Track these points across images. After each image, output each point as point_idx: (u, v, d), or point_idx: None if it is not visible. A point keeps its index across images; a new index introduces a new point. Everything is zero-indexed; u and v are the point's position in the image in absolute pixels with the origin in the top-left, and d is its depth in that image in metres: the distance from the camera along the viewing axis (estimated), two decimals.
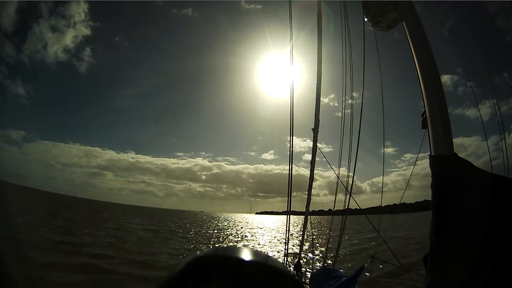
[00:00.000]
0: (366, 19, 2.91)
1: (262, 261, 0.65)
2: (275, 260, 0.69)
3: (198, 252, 0.66)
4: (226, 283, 0.58)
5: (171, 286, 0.60)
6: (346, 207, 3.33)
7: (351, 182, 3.41)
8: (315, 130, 3.81)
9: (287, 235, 3.86)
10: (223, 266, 0.62)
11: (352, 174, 3.50)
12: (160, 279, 0.63)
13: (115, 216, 48.08)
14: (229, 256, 0.65)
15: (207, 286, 0.58)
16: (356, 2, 3.06)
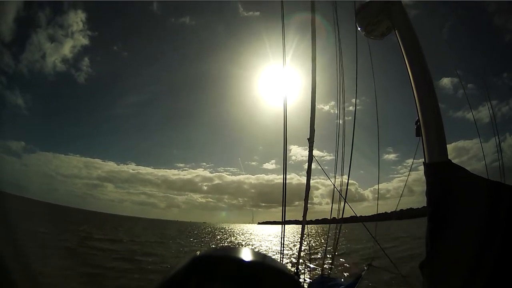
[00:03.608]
0: (359, 29, 2.93)
1: (261, 261, 0.64)
2: (274, 260, 0.69)
3: (197, 252, 0.66)
4: (226, 283, 0.58)
5: (170, 286, 0.60)
6: (341, 215, 3.31)
7: (348, 191, 3.42)
8: (311, 140, 3.82)
9: (282, 245, 3.82)
10: (222, 266, 0.62)
11: (347, 182, 3.51)
12: (159, 278, 0.63)
13: (97, 228, 38.93)
14: (229, 256, 0.65)
15: (206, 285, 0.57)
16: (350, 12, 3.10)
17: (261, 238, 47.44)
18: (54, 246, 18.18)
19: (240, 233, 67.37)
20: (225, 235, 55.18)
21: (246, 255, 0.64)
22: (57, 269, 11.77)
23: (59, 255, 15.26)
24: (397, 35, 2.39)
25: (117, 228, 47.27)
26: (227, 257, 0.66)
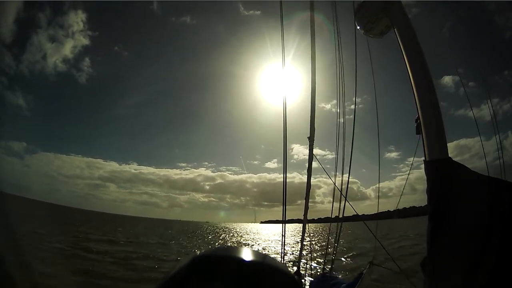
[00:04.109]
0: (358, 27, 2.94)
1: (261, 261, 0.65)
2: (275, 259, 0.69)
3: (197, 252, 0.67)
4: (226, 283, 0.58)
5: (170, 286, 0.61)
6: (342, 214, 3.31)
7: (348, 190, 3.42)
8: (311, 139, 3.83)
9: (283, 244, 3.83)
10: (222, 266, 0.62)
11: (347, 181, 3.51)
12: (159, 278, 0.64)
13: (96, 229, 37.22)
14: (229, 256, 0.66)
15: (206, 285, 0.58)
16: (350, 11, 3.10)
17: (267, 238, 46.33)
18: (46, 249, 16.10)
19: (245, 233, 66.40)
20: (229, 235, 53.72)
21: (246, 255, 0.65)
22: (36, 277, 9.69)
23: (48, 259, 13.51)
24: (396, 34, 2.39)
25: (117, 228, 45.41)
26: (227, 257, 0.66)
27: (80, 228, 35.78)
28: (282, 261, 4.28)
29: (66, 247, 18.29)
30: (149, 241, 28.60)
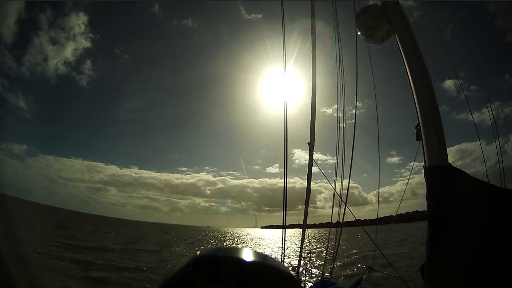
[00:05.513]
0: (359, 33, 2.96)
1: (261, 261, 0.64)
2: (275, 260, 0.69)
3: (197, 252, 0.66)
4: (226, 283, 0.58)
5: (171, 286, 0.60)
6: (342, 219, 3.31)
7: (349, 195, 3.43)
8: (311, 144, 3.83)
9: (283, 249, 3.82)
10: (222, 266, 0.62)
11: (347, 186, 3.51)
12: (159, 278, 0.63)
13: (87, 233, 34.36)
14: (229, 256, 0.65)
15: (206, 286, 0.58)
16: (350, 16, 3.12)
17: (276, 245, 44.36)
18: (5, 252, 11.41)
19: (250, 239, 65.14)
20: (233, 241, 52.53)
21: (246, 255, 0.65)
22: None
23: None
24: (397, 39, 2.40)
25: (111, 233, 41.72)
26: (227, 257, 0.66)
27: (70, 231, 32.24)
28: (283, 263, 4.25)
29: (34, 253, 14.30)
30: (140, 248, 24.37)
